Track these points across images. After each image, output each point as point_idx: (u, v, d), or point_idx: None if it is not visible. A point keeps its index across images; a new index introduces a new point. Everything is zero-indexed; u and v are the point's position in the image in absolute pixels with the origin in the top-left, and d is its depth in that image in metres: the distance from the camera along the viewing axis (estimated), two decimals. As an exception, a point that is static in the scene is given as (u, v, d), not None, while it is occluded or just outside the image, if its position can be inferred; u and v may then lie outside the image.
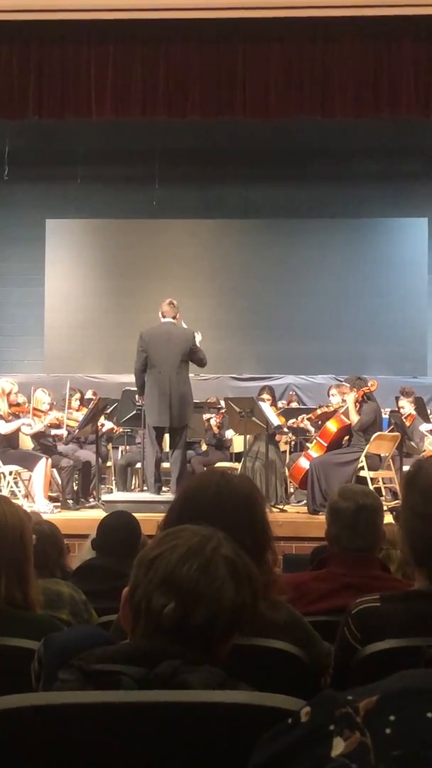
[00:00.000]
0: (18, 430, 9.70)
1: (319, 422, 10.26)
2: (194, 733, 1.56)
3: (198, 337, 9.42)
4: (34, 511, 7.99)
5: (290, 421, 10.90)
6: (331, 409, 10.23)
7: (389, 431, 10.16)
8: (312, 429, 10.22)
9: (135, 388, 10.10)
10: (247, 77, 8.96)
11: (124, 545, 4.32)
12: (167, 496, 9.12)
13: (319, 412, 10.38)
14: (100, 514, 8.22)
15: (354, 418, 9.47)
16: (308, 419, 10.47)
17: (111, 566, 4.16)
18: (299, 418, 10.60)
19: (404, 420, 10.51)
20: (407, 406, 10.90)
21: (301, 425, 10.60)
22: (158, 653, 1.61)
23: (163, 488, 9.52)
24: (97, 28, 8.94)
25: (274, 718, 1.25)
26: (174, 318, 9.39)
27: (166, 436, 9.87)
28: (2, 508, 2.71)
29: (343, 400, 10.14)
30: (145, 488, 9.69)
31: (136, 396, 9.59)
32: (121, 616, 1.78)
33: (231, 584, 1.69)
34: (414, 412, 10.87)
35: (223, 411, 11.26)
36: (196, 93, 9.03)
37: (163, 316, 9.40)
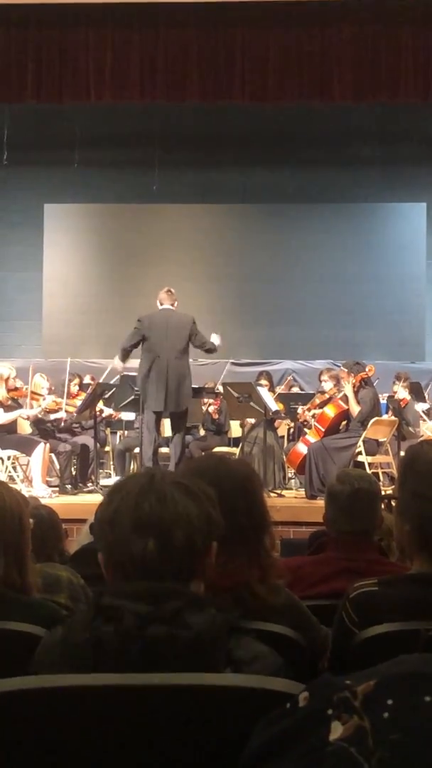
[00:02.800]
0: (16, 420, 9.70)
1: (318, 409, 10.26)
2: (191, 717, 1.56)
3: (217, 341, 9.45)
4: (32, 495, 8.00)
5: (294, 407, 10.88)
6: (326, 396, 10.23)
7: (388, 416, 10.18)
8: (312, 420, 10.22)
9: (133, 374, 10.10)
10: (246, 61, 8.94)
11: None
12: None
13: (317, 401, 10.37)
14: (98, 498, 8.23)
15: (354, 408, 9.46)
16: (308, 410, 10.45)
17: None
18: (300, 411, 10.58)
19: (400, 404, 10.52)
20: (401, 391, 10.91)
21: (305, 419, 10.58)
22: (162, 592, 1.65)
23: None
24: (96, 12, 8.91)
25: (273, 701, 1.25)
26: (172, 305, 9.40)
27: (165, 422, 9.89)
28: (0, 492, 2.71)
29: (335, 385, 10.15)
30: (143, 473, 9.69)
31: (117, 359, 9.53)
32: (108, 580, 1.82)
33: (190, 502, 1.75)
34: (408, 397, 10.87)
35: (221, 396, 11.26)
36: (195, 76, 9.01)
37: (161, 304, 9.41)
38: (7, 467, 9.63)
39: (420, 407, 10.91)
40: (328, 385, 10.34)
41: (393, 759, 0.96)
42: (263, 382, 11.18)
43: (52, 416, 10.21)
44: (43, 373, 10.62)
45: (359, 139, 14.64)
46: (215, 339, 9.52)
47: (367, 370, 9.68)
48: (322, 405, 10.19)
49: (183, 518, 1.73)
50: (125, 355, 9.44)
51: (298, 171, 15.11)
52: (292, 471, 10.41)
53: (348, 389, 9.58)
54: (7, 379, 9.60)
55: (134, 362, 9.86)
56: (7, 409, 9.58)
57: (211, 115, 12.76)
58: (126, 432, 11.94)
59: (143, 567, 1.72)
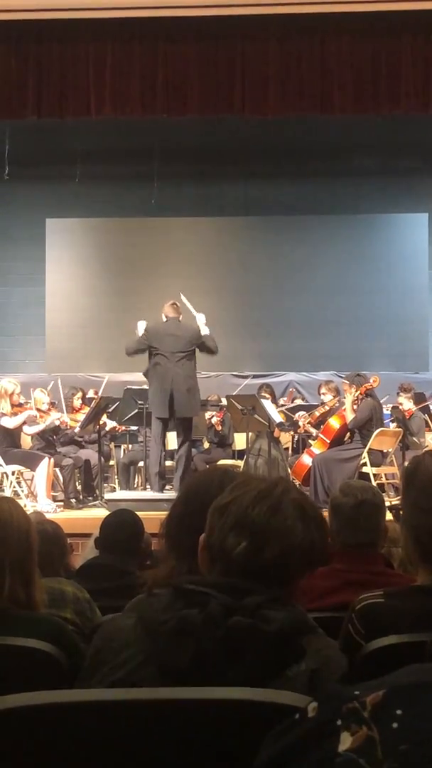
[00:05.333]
0: (24, 423, 9.68)
1: (320, 422, 10.25)
2: (200, 730, 1.56)
3: (202, 319, 9.47)
4: (37, 510, 8.00)
5: (296, 417, 10.87)
6: (327, 408, 10.23)
7: (392, 427, 10.18)
8: (314, 431, 10.21)
9: (136, 387, 10.12)
10: (246, 74, 8.95)
11: (127, 543, 4.33)
12: (170, 494, 9.14)
13: (317, 414, 10.38)
14: (102, 512, 8.22)
15: (350, 415, 9.48)
16: (309, 423, 10.45)
17: (114, 564, 4.16)
18: (301, 424, 10.58)
19: (405, 415, 10.52)
20: (406, 402, 10.90)
21: (305, 431, 10.58)
22: (243, 589, 1.68)
23: (166, 486, 9.53)
24: (96, 27, 8.93)
25: (281, 714, 1.25)
26: (177, 318, 9.44)
27: (170, 435, 9.88)
28: (8, 507, 2.72)
29: (335, 397, 10.17)
30: (148, 486, 9.70)
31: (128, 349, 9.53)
32: (200, 561, 1.86)
33: (299, 523, 1.76)
34: (413, 407, 10.86)
35: (224, 408, 11.26)
36: (195, 90, 9.02)
37: (166, 317, 9.43)
38: (11, 482, 9.63)
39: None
40: (327, 397, 10.36)
41: None
42: (265, 394, 11.19)
43: (56, 422, 10.21)
44: (44, 388, 10.64)
45: (360, 150, 14.68)
46: (200, 318, 9.53)
47: (371, 381, 9.68)
48: (322, 417, 10.19)
49: (284, 534, 1.75)
50: (127, 350, 9.46)
51: (299, 183, 15.15)
52: (298, 483, 10.40)
53: (348, 399, 9.58)
54: (11, 395, 9.60)
55: (138, 375, 9.89)
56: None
57: (211, 128, 12.79)
58: (130, 446, 11.94)
59: (229, 564, 1.75)
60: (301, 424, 10.56)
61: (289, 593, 1.77)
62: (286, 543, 1.74)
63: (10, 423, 9.48)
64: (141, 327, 9.48)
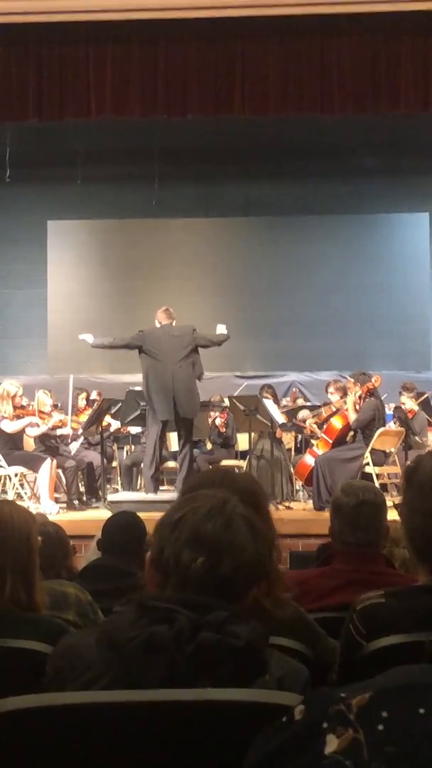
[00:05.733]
0: (23, 430, 9.68)
1: (324, 422, 10.24)
2: (194, 732, 1.57)
3: (224, 330, 9.48)
4: (39, 512, 8.00)
5: (300, 419, 10.85)
6: (334, 408, 10.22)
7: (395, 427, 10.18)
8: (319, 432, 10.21)
9: (139, 388, 10.12)
10: (246, 75, 8.96)
11: (129, 545, 4.33)
12: (172, 495, 9.14)
13: (324, 414, 10.36)
14: (105, 514, 8.22)
15: (352, 416, 9.47)
16: (315, 423, 10.44)
17: (117, 566, 4.16)
18: (307, 424, 10.56)
19: (407, 415, 10.52)
20: (408, 402, 10.89)
21: (311, 432, 10.56)
22: (205, 604, 1.70)
23: (168, 486, 9.53)
24: (95, 29, 8.94)
25: (273, 715, 1.26)
26: (171, 323, 9.44)
27: (172, 436, 9.89)
28: (9, 510, 2.72)
29: (342, 397, 10.15)
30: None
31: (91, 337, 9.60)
32: (147, 578, 1.88)
33: (250, 539, 1.80)
34: (415, 407, 10.86)
35: (227, 409, 11.26)
36: (195, 91, 9.03)
37: (159, 323, 9.44)
38: (14, 484, 9.63)
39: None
40: (335, 397, 10.33)
41: None
42: (266, 395, 11.18)
43: (58, 431, 10.20)
44: (47, 390, 10.63)
45: (361, 150, 14.67)
46: (221, 329, 9.55)
47: (373, 380, 9.67)
48: (329, 417, 10.18)
49: (238, 549, 1.78)
50: (116, 342, 9.50)
51: (300, 183, 15.15)
52: (300, 483, 10.40)
53: (350, 399, 9.57)
54: (14, 397, 9.59)
55: (141, 376, 9.90)
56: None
57: (211, 128, 12.79)
58: (133, 447, 11.95)
59: (185, 580, 1.76)
60: (307, 424, 10.54)
61: (243, 607, 1.79)
62: (240, 558, 1.77)
63: (9, 427, 9.48)
64: (86, 337, 9.56)
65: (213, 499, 1.87)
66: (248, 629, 1.68)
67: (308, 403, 12.54)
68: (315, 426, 10.36)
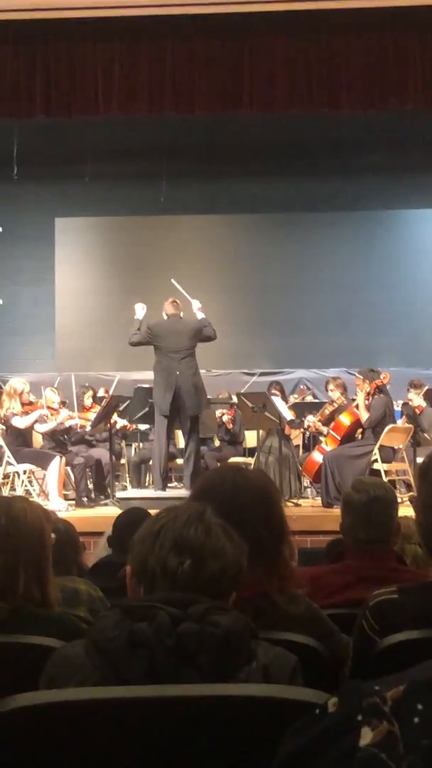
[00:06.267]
0: (35, 422, 9.69)
1: (329, 419, 10.23)
2: (215, 728, 1.57)
3: (196, 305, 9.55)
4: (49, 509, 8.01)
5: (305, 421, 10.85)
6: (336, 405, 10.22)
7: (404, 423, 10.17)
8: (324, 430, 10.20)
9: (147, 386, 10.14)
10: (254, 72, 8.95)
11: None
12: (181, 491, 9.15)
13: (327, 412, 10.36)
14: (114, 511, 8.24)
15: (363, 415, 9.46)
16: (319, 421, 10.43)
17: (126, 562, 4.16)
18: (311, 423, 10.56)
19: (415, 411, 10.51)
20: (416, 398, 10.88)
21: (316, 430, 10.56)
22: (187, 600, 1.77)
23: (177, 483, 9.53)
24: (103, 26, 8.94)
25: (297, 710, 1.26)
26: (178, 315, 9.47)
27: (180, 433, 9.89)
28: (22, 506, 2.73)
29: (342, 394, 10.16)
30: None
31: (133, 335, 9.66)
32: (129, 592, 1.95)
33: (228, 543, 1.89)
34: (423, 404, 10.84)
35: (235, 406, 11.26)
36: (203, 88, 9.03)
37: (166, 314, 9.46)
38: (23, 481, 9.65)
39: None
40: (335, 394, 10.34)
41: (424, 764, 0.95)
42: (274, 392, 11.18)
43: (67, 423, 10.22)
44: (54, 387, 10.65)
45: (368, 146, 14.65)
46: (195, 304, 9.63)
47: (381, 377, 9.66)
48: (331, 414, 10.18)
49: (220, 552, 1.87)
50: (131, 338, 9.55)
51: (307, 180, 15.13)
52: (309, 480, 10.39)
53: (360, 397, 9.57)
54: (21, 393, 9.61)
55: (148, 374, 9.91)
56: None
57: (218, 125, 12.80)
58: (141, 444, 11.97)
59: (173, 582, 1.82)
60: (311, 423, 10.54)
61: (225, 602, 1.85)
62: (222, 560, 1.86)
63: (21, 423, 9.49)
64: (139, 309, 9.59)
65: (190, 508, 1.96)
66: (229, 618, 1.73)
67: (316, 400, 12.53)
68: (319, 424, 10.35)
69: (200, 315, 9.64)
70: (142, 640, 1.68)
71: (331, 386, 10.52)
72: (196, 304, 9.72)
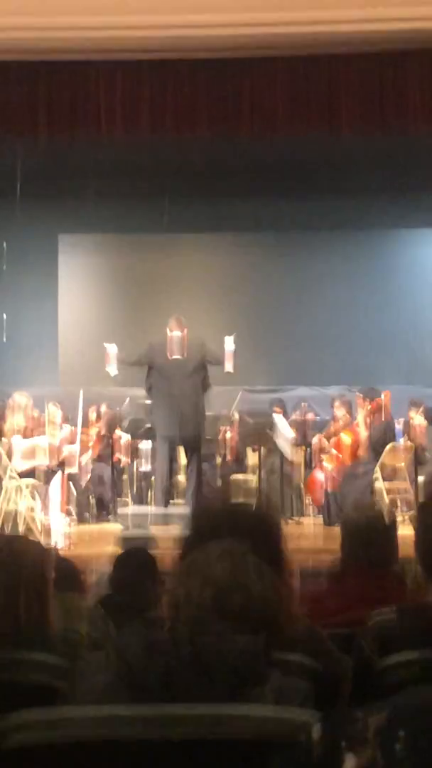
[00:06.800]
0: (34, 449, 9.69)
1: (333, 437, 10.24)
2: (211, 746, 1.59)
3: (231, 343, 9.52)
4: (51, 546, 8.00)
5: (310, 434, 10.85)
6: (341, 423, 10.23)
7: (403, 442, 10.17)
8: (328, 447, 10.20)
9: (149, 402, 10.14)
10: (254, 94, 8.99)
11: (141, 584, 4.26)
12: (182, 509, 9.15)
13: (332, 429, 10.37)
14: (116, 527, 8.25)
15: (363, 433, 9.47)
16: (325, 438, 10.43)
17: (129, 603, 4.10)
18: (317, 440, 10.56)
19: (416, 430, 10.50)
20: (416, 417, 10.88)
21: (321, 448, 10.56)
22: (209, 621, 1.84)
23: (178, 500, 9.53)
24: (106, 47, 8.99)
25: (291, 731, 1.28)
26: (181, 332, 9.46)
27: (182, 450, 9.90)
28: (22, 544, 2.75)
29: (347, 412, 10.17)
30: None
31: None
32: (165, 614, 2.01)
33: (258, 581, 1.95)
34: (425, 422, 10.84)
35: (237, 423, 11.26)
36: (204, 111, 9.05)
37: (170, 331, 9.47)
38: (25, 496, 9.65)
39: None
40: (340, 411, 10.36)
41: None
42: (276, 409, 11.19)
43: (67, 447, 10.23)
44: (57, 403, 10.65)
45: (370, 166, 14.68)
46: (229, 342, 9.57)
47: (382, 396, 9.68)
48: (336, 432, 10.19)
49: (246, 588, 1.93)
50: (126, 359, 9.52)
51: (309, 199, 15.15)
52: (310, 498, 10.39)
53: (360, 415, 9.58)
54: (25, 408, 9.63)
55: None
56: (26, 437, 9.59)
57: (223, 145, 12.84)
58: (143, 460, 11.96)
59: (198, 611, 1.89)
60: (316, 440, 10.54)
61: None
62: (246, 594, 1.91)
63: (20, 444, 9.48)
64: (111, 350, 9.56)
65: (224, 545, 2.03)
66: (246, 639, 1.79)
67: (317, 418, 12.52)
68: (325, 441, 10.37)
69: (230, 345, 9.61)
70: (159, 649, 1.75)
71: (336, 403, 10.54)
72: (229, 341, 9.67)
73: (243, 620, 1.87)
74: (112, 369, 9.61)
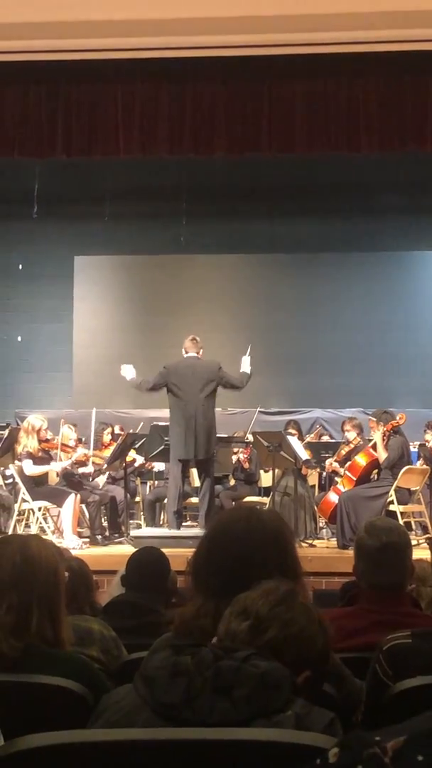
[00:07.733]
0: (44, 473, 9.70)
1: (345, 460, 10.20)
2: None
3: (247, 364, 9.53)
4: (63, 547, 8.00)
5: (324, 456, 10.82)
6: (352, 446, 10.20)
7: (420, 464, 10.12)
8: (341, 470, 10.18)
9: (163, 423, 10.13)
10: (273, 114, 9.01)
11: (153, 581, 4.32)
12: (195, 531, 9.12)
13: (343, 452, 10.34)
14: (128, 549, 8.23)
15: (382, 455, 9.43)
16: (336, 461, 10.41)
17: (140, 602, 4.15)
18: (327, 463, 10.54)
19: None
20: (432, 439, 10.84)
21: (332, 470, 10.54)
22: (238, 648, 1.85)
23: (191, 522, 9.50)
24: (124, 67, 9.04)
25: (307, 756, 1.25)
26: (197, 354, 9.47)
27: (195, 472, 9.88)
28: (36, 545, 2.73)
29: (358, 434, 10.14)
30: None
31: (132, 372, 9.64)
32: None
33: (303, 619, 1.96)
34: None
35: (251, 445, 11.24)
36: (223, 130, 9.08)
37: (186, 352, 9.48)
38: (38, 518, 9.64)
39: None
40: (351, 434, 10.33)
41: None
42: (291, 431, 11.16)
43: (81, 470, 10.24)
44: (72, 424, 10.65)
45: (386, 188, 14.72)
46: (246, 363, 9.56)
47: (398, 418, 9.64)
48: (347, 455, 10.16)
49: (286, 624, 1.94)
50: (143, 385, 9.50)
51: (324, 220, 15.20)
52: (324, 520, 10.34)
53: (377, 437, 9.55)
54: (39, 430, 9.63)
55: (165, 411, 9.91)
56: (38, 461, 9.59)
57: (238, 166, 12.89)
58: (156, 482, 11.95)
59: (232, 641, 1.92)
60: (327, 464, 10.51)
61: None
62: (286, 631, 1.92)
63: (30, 470, 9.49)
64: (128, 371, 9.55)
65: (272, 584, 2.04)
66: (269, 664, 1.79)
67: (332, 440, 12.50)
68: (336, 464, 10.33)
69: (246, 364, 9.61)
70: (183, 670, 1.77)
71: (347, 426, 10.52)
72: (245, 362, 9.68)
73: (276, 654, 1.87)
74: (129, 371, 9.58)
